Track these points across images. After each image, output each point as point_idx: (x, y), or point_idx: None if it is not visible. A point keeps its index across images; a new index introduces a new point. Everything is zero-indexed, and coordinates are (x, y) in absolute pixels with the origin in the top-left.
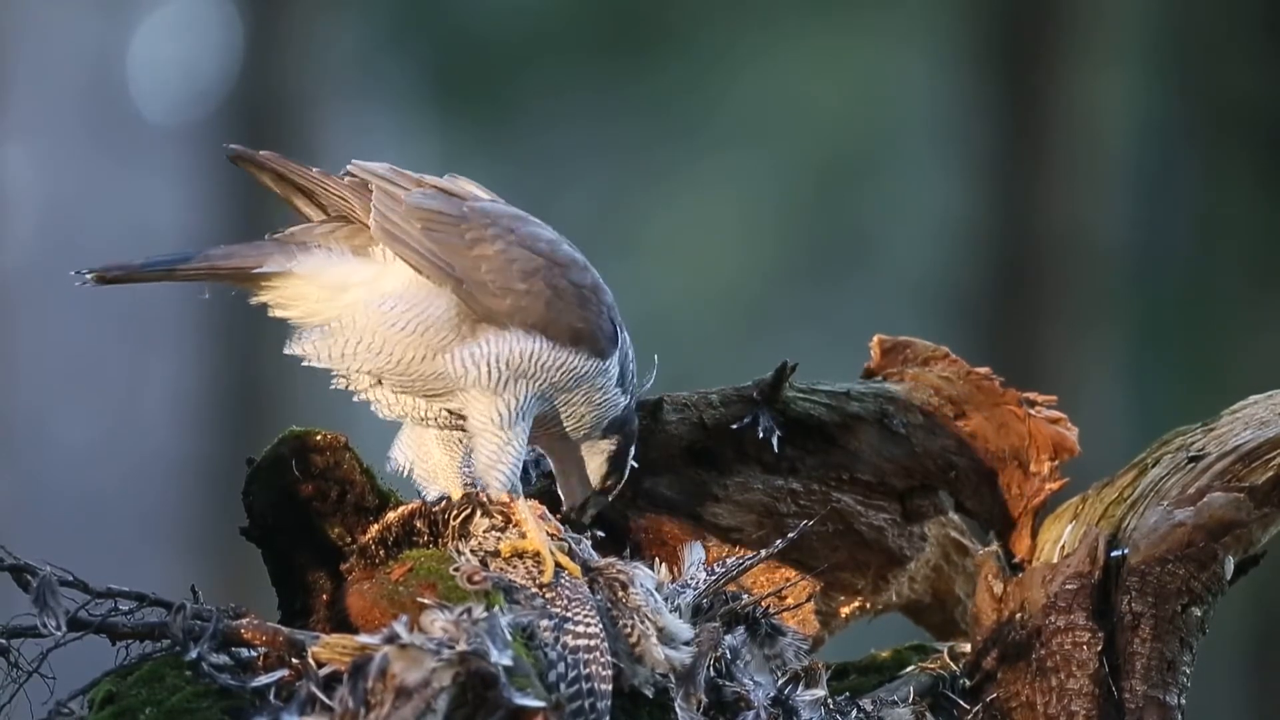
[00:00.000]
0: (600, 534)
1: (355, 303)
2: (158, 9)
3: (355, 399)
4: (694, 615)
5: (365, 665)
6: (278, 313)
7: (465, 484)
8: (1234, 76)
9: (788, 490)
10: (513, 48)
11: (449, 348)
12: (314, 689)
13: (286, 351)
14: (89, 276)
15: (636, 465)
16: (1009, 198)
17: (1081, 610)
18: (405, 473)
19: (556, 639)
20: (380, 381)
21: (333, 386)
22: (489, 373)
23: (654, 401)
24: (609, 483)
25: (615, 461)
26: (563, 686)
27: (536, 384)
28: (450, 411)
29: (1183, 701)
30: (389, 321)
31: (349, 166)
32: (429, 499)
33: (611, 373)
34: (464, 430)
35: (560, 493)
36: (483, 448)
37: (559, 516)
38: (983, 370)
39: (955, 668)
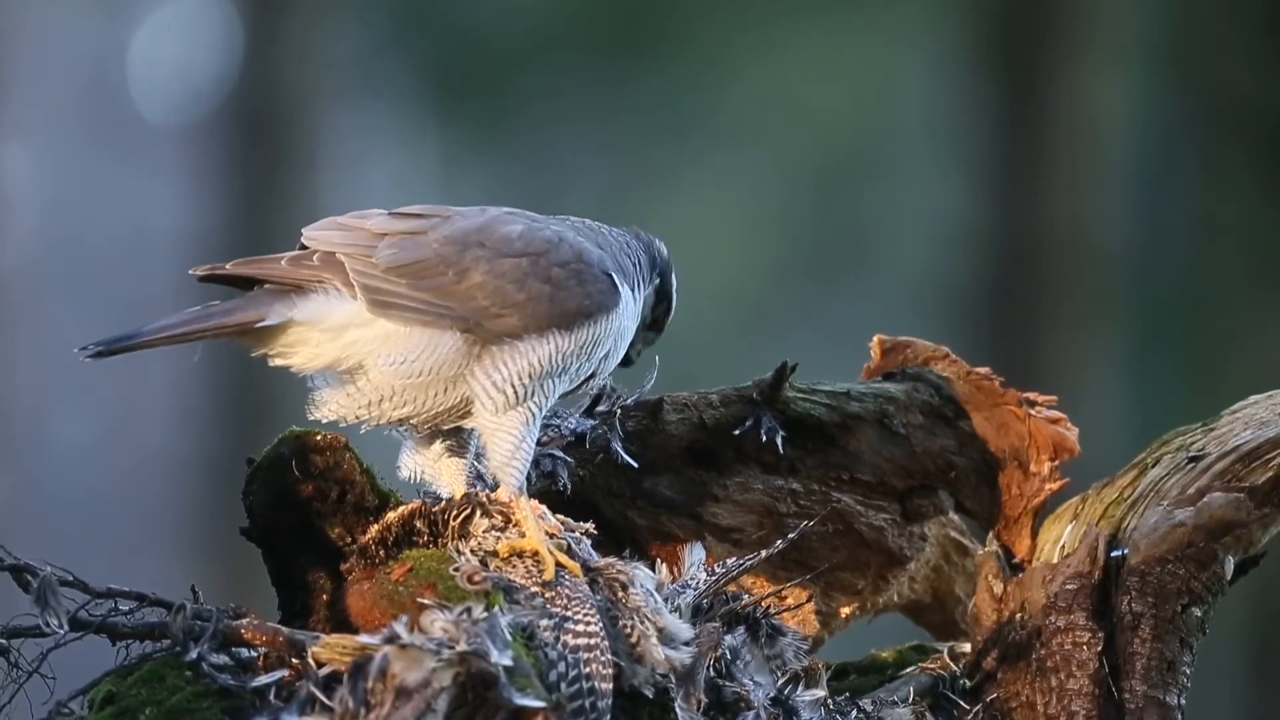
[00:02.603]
0: (597, 532)
1: (356, 342)
2: (158, 9)
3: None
4: (694, 615)
5: (365, 665)
6: (278, 361)
7: (472, 480)
8: (1234, 76)
9: (788, 490)
10: (513, 48)
11: (467, 372)
12: (314, 689)
13: (311, 418)
14: (95, 351)
15: (636, 465)
16: (1009, 198)
17: (1081, 610)
18: (417, 478)
19: (556, 638)
20: (404, 421)
21: (362, 432)
22: (513, 392)
23: (654, 401)
24: (659, 318)
25: (662, 296)
26: (563, 686)
27: (563, 373)
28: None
29: (1183, 701)
30: (404, 374)
31: (303, 237)
32: (441, 495)
33: (625, 299)
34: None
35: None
36: (498, 446)
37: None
38: (983, 370)
39: (955, 668)
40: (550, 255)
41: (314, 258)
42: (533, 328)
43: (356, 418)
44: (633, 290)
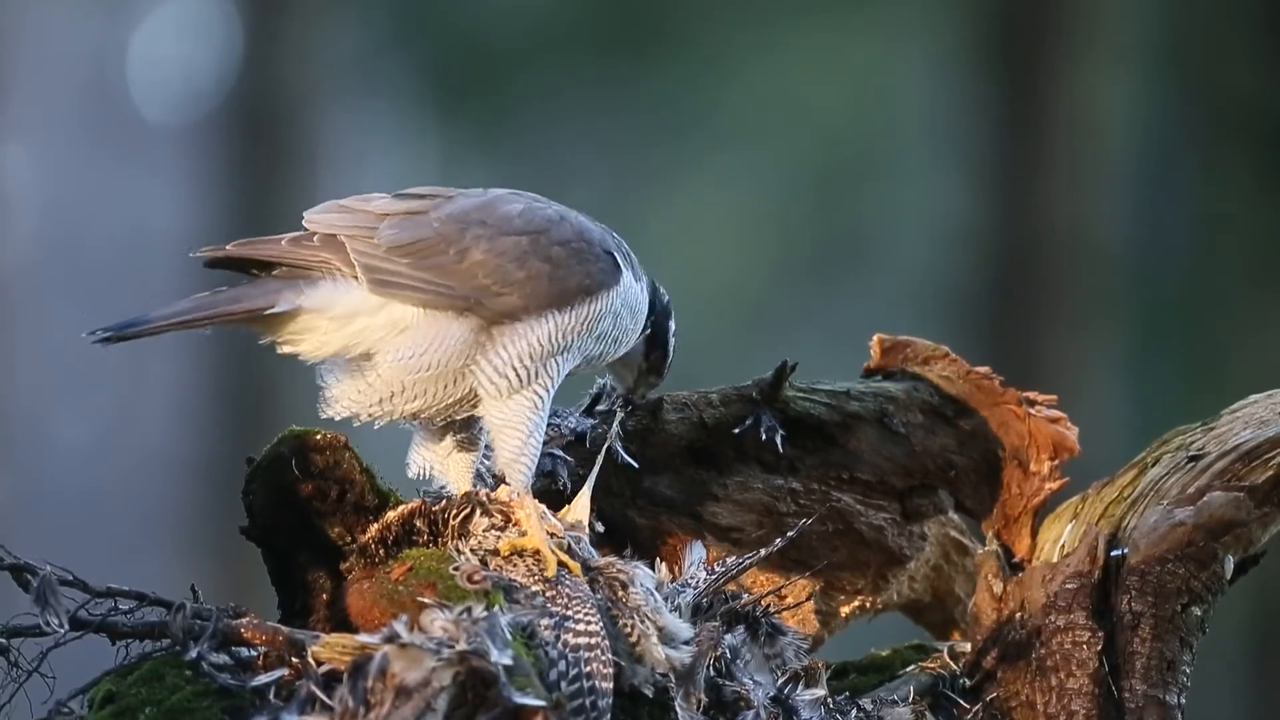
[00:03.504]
0: (600, 530)
1: (365, 329)
2: (158, 9)
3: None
4: (694, 614)
5: (365, 665)
6: (286, 349)
7: (474, 478)
8: (1234, 76)
9: (787, 490)
10: (513, 48)
11: (474, 361)
12: (314, 688)
13: (324, 416)
14: (103, 336)
15: (636, 465)
16: (1009, 198)
17: (1081, 610)
18: (425, 475)
19: (557, 638)
20: (416, 415)
21: (376, 428)
22: (517, 375)
23: (654, 401)
24: (655, 364)
25: (656, 343)
26: (563, 685)
27: (570, 352)
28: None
29: (1183, 701)
30: (415, 369)
31: (304, 221)
32: (449, 492)
33: (627, 282)
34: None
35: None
36: (505, 443)
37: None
38: (983, 370)
39: (955, 667)
40: (551, 233)
41: (314, 239)
42: (533, 306)
43: (370, 415)
44: (634, 278)
